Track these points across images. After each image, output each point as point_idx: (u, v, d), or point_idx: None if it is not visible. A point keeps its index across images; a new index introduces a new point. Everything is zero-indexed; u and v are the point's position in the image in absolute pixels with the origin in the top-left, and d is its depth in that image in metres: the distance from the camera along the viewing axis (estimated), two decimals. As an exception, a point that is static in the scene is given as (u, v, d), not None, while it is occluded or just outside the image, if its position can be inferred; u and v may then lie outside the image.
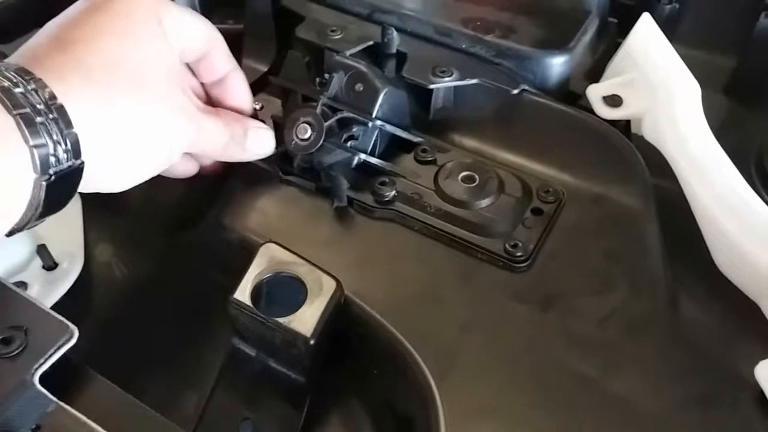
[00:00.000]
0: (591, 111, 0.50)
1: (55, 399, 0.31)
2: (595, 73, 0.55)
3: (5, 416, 0.31)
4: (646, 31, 0.52)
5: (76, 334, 0.33)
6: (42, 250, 0.47)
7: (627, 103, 0.50)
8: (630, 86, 0.50)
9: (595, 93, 0.51)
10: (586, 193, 0.47)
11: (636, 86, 0.50)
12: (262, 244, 0.43)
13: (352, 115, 0.47)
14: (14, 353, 0.32)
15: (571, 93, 0.53)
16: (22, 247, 0.49)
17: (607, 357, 0.39)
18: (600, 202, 0.46)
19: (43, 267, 0.48)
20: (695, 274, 0.43)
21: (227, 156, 0.46)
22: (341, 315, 0.41)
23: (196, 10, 0.59)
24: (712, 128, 0.46)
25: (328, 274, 0.41)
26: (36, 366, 0.31)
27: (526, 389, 0.38)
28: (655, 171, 0.46)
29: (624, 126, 0.51)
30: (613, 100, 0.50)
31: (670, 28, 0.60)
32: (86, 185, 0.37)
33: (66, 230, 0.50)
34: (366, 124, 0.47)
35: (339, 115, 0.47)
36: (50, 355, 0.32)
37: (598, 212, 0.46)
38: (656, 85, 0.48)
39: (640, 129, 0.49)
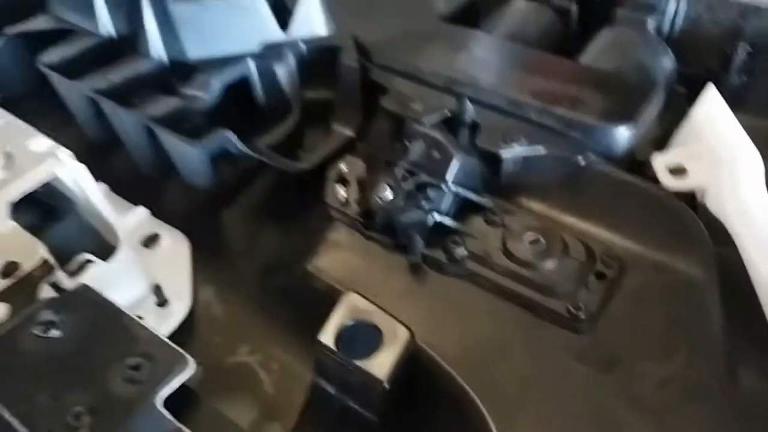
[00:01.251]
0: (656, 180, 0.53)
1: (175, 421, 0.37)
2: (661, 142, 0.58)
3: (132, 432, 0.37)
4: (710, 102, 0.55)
5: (194, 365, 0.39)
6: (157, 290, 0.55)
7: (691, 173, 0.52)
8: (695, 157, 0.53)
9: (660, 163, 0.53)
10: (649, 261, 0.49)
11: (700, 157, 0.52)
12: (345, 294, 0.48)
13: (428, 179, 0.52)
14: (141, 379, 0.38)
15: (636, 162, 0.56)
16: (139, 285, 0.56)
17: (665, 421, 0.41)
18: (662, 270, 0.48)
19: (156, 304, 0.56)
20: (755, 344, 0.44)
21: None
22: (413, 362, 0.45)
23: (295, 79, 0.67)
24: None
25: (402, 323, 0.46)
26: (159, 391, 0.38)
27: (585, 445, 0.41)
28: (718, 240, 0.48)
29: (689, 196, 0.54)
30: (678, 171, 0.53)
31: (737, 98, 0.62)
32: None
33: (177, 273, 0.58)
34: (441, 188, 0.52)
35: (417, 180, 0.52)
36: (171, 382, 0.38)
37: (660, 279, 0.48)
38: (720, 158, 0.51)
39: (704, 199, 0.51)
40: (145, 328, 0.41)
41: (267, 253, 0.59)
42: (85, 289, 0.44)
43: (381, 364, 0.44)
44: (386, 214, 0.52)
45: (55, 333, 0.41)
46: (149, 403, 0.37)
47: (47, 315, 0.42)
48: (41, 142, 0.54)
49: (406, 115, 0.58)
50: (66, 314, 0.42)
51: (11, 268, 0.47)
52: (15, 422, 0.37)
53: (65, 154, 0.53)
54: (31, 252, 0.47)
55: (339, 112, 0.65)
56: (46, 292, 0.47)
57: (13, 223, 0.49)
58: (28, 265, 0.47)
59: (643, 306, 0.47)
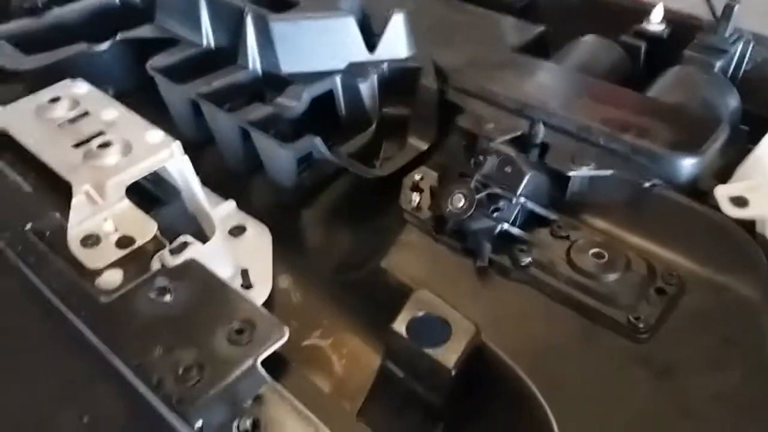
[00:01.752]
0: (717, 209, 0.55)
1: (271, 379, 0.42)
2: (724, 175, 0.60)
3: (235, 387, 0.42)
4: (775, 141, 0.57)
5: (287, 333, 0.43)
6: (244, 273, 0.60)
7: (753, 204, 0.55)
8: (757, 190, 0.55)
9: (722, 193, 0.56)
10: (708, 281, 0.52)
11: (762, 190, 0.55)
12: (417, 290, 0.52)
13: (500, 191, 0.57)
14: (245, 342, 0.43)
15: (699, 191, 0.59)
16: (228, 268, 0.62)
17: (716, 431, 0.43)
18: (720, 291, 0.51)
19: (242, 286, 0.61)
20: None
21: None
22: (478, 356, 0.49)
23: (375, 95, 0.73)
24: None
25: (469, 319, 0.50)
26: (259, 353, 0.42)
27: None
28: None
29: (749, 225, 0.56)
30: (740, 201, 0.55)
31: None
32: None
33: (259, 261, 0.63)
34: (511, 200, 0.57)
35: (489, 191, 0.57)
36: (270, 346, 0.43)
37: (718, 299, 0.51)
38: (782, 191, 0.53)
39: (764, 229, 0.54)
40: (247, 300, 0.47)
41: (341, 250, 0.64)
42: (194, 263, 0.50)
43: (449, 354, 0.48)
44: (457, 220, 0.57)
45: (167, 298, 0.47)
46: (251, 362, 0.42)
47: (162, 281, 0.47)
48: (156, 134, 0.60)
49: (479, 133, 0.62)
50: (178, 282, 0.47)
51: (126, 241, 0.53)
52: (129, 373, 0.43)
53: (177, 147, 0.60)
54: (144, 229, 0.53)
55: (414, 128, 0.70)
56: (155, 265, 0.53)
57: (129, 202, 0.56)
58: (141, 239, 0.53)
59: (700, 324, 0.49)
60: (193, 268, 0.49)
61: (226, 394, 0.40)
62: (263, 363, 0.44)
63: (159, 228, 0.55)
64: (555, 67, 0.73)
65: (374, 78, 0.73)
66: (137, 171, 0.58)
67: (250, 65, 0.74)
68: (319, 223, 0.68)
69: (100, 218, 0.53)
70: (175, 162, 0.60)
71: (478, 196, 0.57)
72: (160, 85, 0.76)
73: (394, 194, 0.64)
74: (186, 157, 0.61)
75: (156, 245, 0.52)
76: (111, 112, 0.63)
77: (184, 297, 0.47)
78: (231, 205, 0.68)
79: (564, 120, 0.63)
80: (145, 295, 0.47)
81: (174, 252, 0.57)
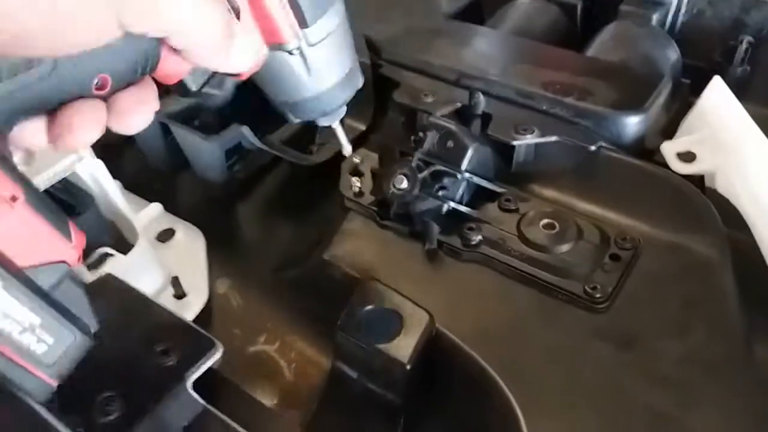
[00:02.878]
0: (665, 166, 0.54)
1: (203, 402, 0.38)
2: (669, 130, 0.59)
3: (163, 415, 0.37)
4: (717, 92, 0.56)
5: (221, 348, 0.39)
6: (175, 282, 0.55)
7: (700, 159, 0.53)
8: (702, 143, 0.54)
9: (669, 149, 0.55)
10: (662, 242, 0.50)
11: (708, 143, 0.54)
12: (363, 281, 0.49)
13: (443, 168, 0.53)
14: (171, 363, 0.39)
15: (646, 149, 0.57)
16: (156, 278, 0.57)
17: (685, 395, 0.41)
18: (676, 251, 0.49)
19: (174, 296, 0.56)
20: (770, 320, 0.45)
21: (209, 59, 0.30)
22: (433, 345, 0.46)
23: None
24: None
25: (422, 307, 0.46)
26: (189, 374, 0.38)
27: (605, 421, 0.41)
28: (729, 222, 0.49)
29: (698, 180, 0.55)
30: (687, 156, 0.54)
31: (741, 88, 0.63)
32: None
33: (192, 266, 0.58)
34: (455, 176, 0.53)
35: (432, 168, 0.53)
36: (201, 365, 0.38)
37: (674, 260, 0.49)
38: (728, 143, 0.52)
39: (713, 183, 0.53)
40: (172, 314, 0.42)
41: (281, 246, 0.59)
42: (111, 278, 0.44)
43: (403, 347, 0.45)
44: (402, 202, 0.53)
45: (81, 320, 0.41)
46: (180, 386, 0.38)
47: (73, 302, 0.42)
48: (60, 137, 0.54)
49: (418, 107, 0.59)
50: (94, 303, 0.42)
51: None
52: (42, 411, 0.38)
53: (84, 150, 0.54)
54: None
55: (350, 107, 0.66)
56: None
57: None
58: (49, 256, 0.47)
59: (658, 286, 0.47)
60: (109, 284, 0.44)
61: (153, 423, 0.36)
62: (200, 381, 0.39)
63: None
64: (492, 32, 0.70)
65: (303, 57, 0.68)
66: (41, 180, 0.52)
67: (166, 53, 0.67)
68: (256, 219, 0.64)
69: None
70: (85, 166, 0.54)
71: (420, 176, 0.53)
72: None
73: (334, 181, 0.59)
74: (98, 161, 0.55)
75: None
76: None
77: (100, 318, 0.42)
78: (156, 208, 0.62)
79: (504, 87, 0.60)
80: (56, 321, 0.41)
81: (92, 267, 0.52)
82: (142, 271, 0.55)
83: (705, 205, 0.50)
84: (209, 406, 0.37)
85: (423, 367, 0.46)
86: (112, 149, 0.71)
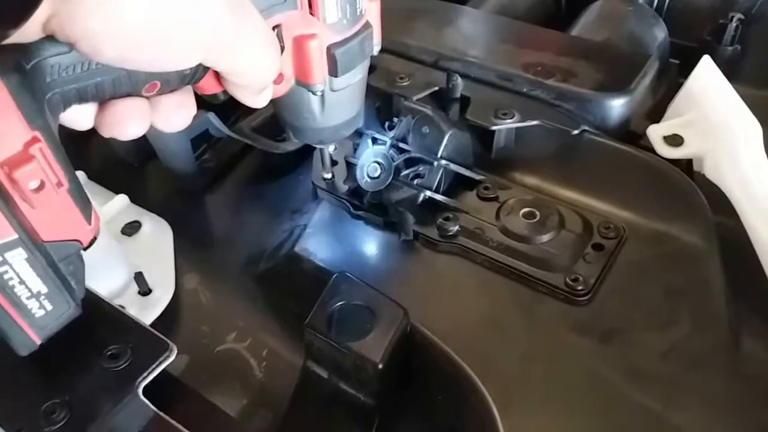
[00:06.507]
0: (652, 150, 0.51)
1: (155, 408, 0.35)
2: (656, 113, 0.56)
3: (112, 422, 0.35)
4: (706, 72, 0.53)
5: (175, 350, 0.37)
6: (139, 277, 0.53)
7: (688, 142, 0.51)
8: (691, 126, 0.52)
9: (655, 133, 0.52)
10: (648, 230, 0.48)
11: (697, 126, 0.51)
12: (335, 274, 0.46)
13: (418, 155, 0.51)
14: (121, 367, 0.36)
15: (632, 133, 0.55)
16: (120, 274, 0.54)
17: (668, 390, 0.39)
18: (661, 239, 0.47)
19: (139, 293, 0.53)
20: (757, 311, 0.43)
21: (244, 95, 0.33)
22: (407, 342, 0.44)
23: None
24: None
25: (396, 302, 0.44)
26: (140, 379, 0.36)
27: (587, 419, 0.39)
28: (717, 208, 0.47)
29: (686, 164, 0.52)
30: (674, 140, 0.52)
31: (731, 68, 0.61)
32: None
33: (159, 260, 0.55)
34: (431, 164, 0.51)
35: (406, 155, 0.51)
36: (152, 369, 0.36)
37: (660, 249, 0.47)
38: (717, 126, 0.49)
39: (701, 167, 0.50)
40: (125, 315, 0.39)
41: (253, 238, 0.57)
42: (62, 276, 0.42)
43: (374, 345, 0.42)
44: (375, 191, 0.51)
45: (29, 322, 0.39)
46: (130, 392, 0.35)
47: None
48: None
49: (393, 91, 0.56)
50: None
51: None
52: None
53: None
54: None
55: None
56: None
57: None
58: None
59: (642, 276, 0.45)
60: (61, 283, 0.41)
61: (101, 431, 0.34)
62: (159, 386, 0.37)
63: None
64: (472, 11, 0.67)
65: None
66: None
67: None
68: (226, 210, 0.61)
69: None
70: (40, 158, 0.51)
71: (395, 163, 0.50)
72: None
73: (308, 169, 0.57)
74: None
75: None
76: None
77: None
78: (122, 200, 0.59)
79: (483, 69, 0.57)
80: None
81: (50, 263, 0.49)
82: (104, 266, 0.52)
83: (692, 192, 0.48)
84: (161, 413, 0.35)
85: (397, 366, 0.43)
86: (78, 138, 0.69)
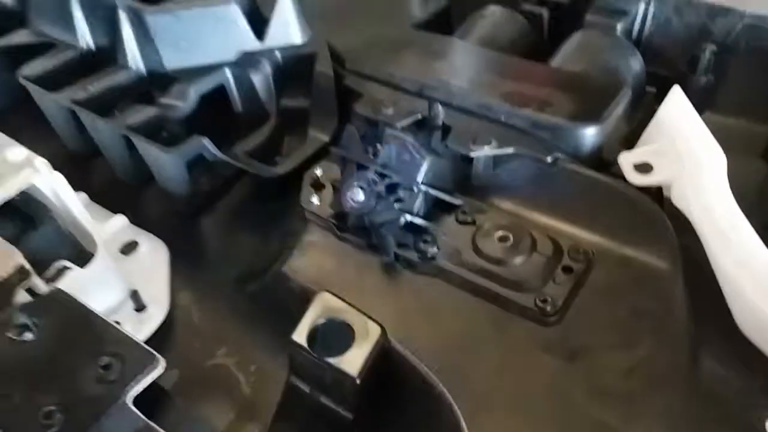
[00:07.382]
0: (623, 177, 0.54)
1: (144, 418, 0.38)
2: (631, 141, 0.59)
3: (102, 431, 0.37)
4: (675, 102, 0.56)
5: (163, 364, 0.39)
6: (134, 295, 0.55)
7: (657, 170, 0.53)
8: (660, 155, 0.54)
9: (626, 160, 0.55)
10: (615, 254, 0.50)
11: (665, 155, 0.53)
12: (318, 293, 0.49)
13: (399, 180, 0.54)
14: (112, 378, 0.39)
15: (604, 160, 0.57)
16: (117, 291, 0.57)
17: (629, 407, 0.41)
18: (628, 263, 0.49)
19: (134, 309, 0.56)
20: (718, 332, 0.45)
21: None
22: (385, 358, 0.46)
23: (271, 86, 0.68)
24: (751, 193, 0.49)
25: (374, 321, 0.47)
26: (130, 389, 0.38)
27: (552, 434, 0.41)
28: (683, 232, 0.49)
29: (656, 190, 0.55)
30: (644, 168, 0.54)
31: (705, 98, 0.64)
32: None
33: (155, 279, 0.58)
34: (412, 189, 0.53)
35: (388, 181, 0.54)
36: (141, 381, 0.38)
37: (626, 272, 0.49)
38: (684, 155, 0.52)
39: (669, 193, 0.53)
40: (116, 329, 0.42)
41: (244, 258, 0.60)
42: (59, 293, 0.45)
43: (353, 361, 0.45)
44: (358, 215, 0.53)
45: (28, 336, 0.42)
46: (120, 401, 0.38)
47: (21, 318, 0.42)
48: (17, 152, 0.54)
49: (378, 119, 0.59)
50: (39, 318, 0.42)
51: (-14, 274, 0.48)
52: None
53: (42, 163, 0.54)
54: (7, 259, 0.48)
55: (315, 119, 0.66)
56: (22, 297, 0.47)
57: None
58: (3, 271, 0.47)
59: (609, 298, 0.48)
60: (58, 298, 0.44)
61: (93, 440, 0.36)
62: (150, 399, 0.40)
63: (31, 255, 0.49)
64: (455, 42, 0.70)
65: (267, 67, 0.68)
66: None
67: (131, 64, 0.67)
68: (220, 232, 0.64)
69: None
70: (43, 180, 0.54)
71: (378, 188, 0.53)
72: (34, 96, 0.69)
73: (298, 193, 0.60)
74: (57, 173, 0.55)
75: (20, 276, 0.47)
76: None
77: (48, 333, 0.42)
78: (121, 220, 0.62)
79: (464, 98, 0.60)
80: (2, 336, 0.42)
81: (50, 280, 0.52)
82: (101, 284, 0.55)
83: (659, 218, 0.50)
84: (150, 422, 0.37)
85: (375, 382, 0.46)
86: (80, 160, 0.72)
